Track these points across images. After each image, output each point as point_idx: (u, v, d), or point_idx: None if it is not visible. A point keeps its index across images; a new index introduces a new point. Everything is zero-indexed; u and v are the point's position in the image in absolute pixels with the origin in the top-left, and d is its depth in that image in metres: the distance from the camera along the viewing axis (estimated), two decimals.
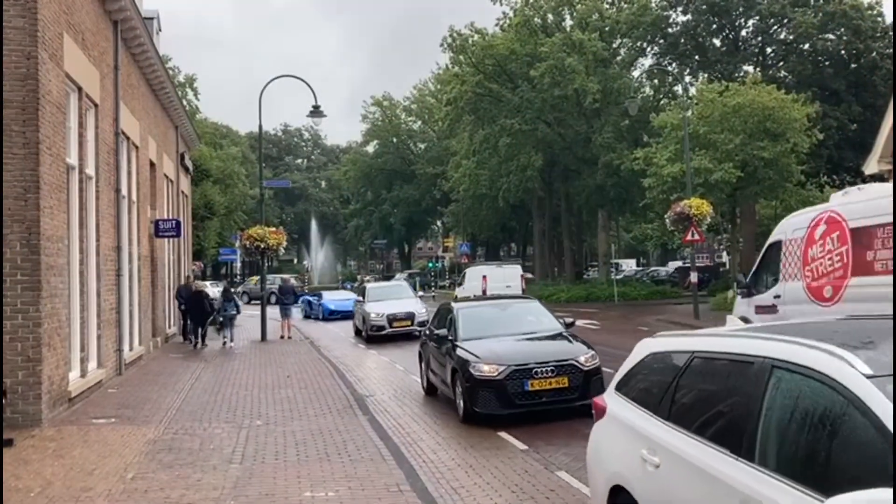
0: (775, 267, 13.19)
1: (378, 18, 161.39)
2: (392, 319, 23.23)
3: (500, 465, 8.63)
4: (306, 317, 34.91)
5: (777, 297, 12.98)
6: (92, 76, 13.69)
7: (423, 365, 13.68)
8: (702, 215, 24.32)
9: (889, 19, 37.63)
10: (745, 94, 27.83)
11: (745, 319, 12.85)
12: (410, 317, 23.38)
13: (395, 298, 24.67)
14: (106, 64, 14.98)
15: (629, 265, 72.25)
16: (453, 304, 13.19)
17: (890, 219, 10.43)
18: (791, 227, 12.97)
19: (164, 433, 10.34)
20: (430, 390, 13.24)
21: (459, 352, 11.31)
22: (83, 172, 13.20)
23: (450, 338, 11.91)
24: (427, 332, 13.85)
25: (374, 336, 23.10)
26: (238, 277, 59.37)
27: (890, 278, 10.14)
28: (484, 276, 28.77)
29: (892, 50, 36.22)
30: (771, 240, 13.72)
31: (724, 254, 59.29)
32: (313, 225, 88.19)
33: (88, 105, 13.66)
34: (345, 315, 30.95)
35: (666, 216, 25.77)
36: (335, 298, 34.18)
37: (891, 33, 37.11)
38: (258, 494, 7.38)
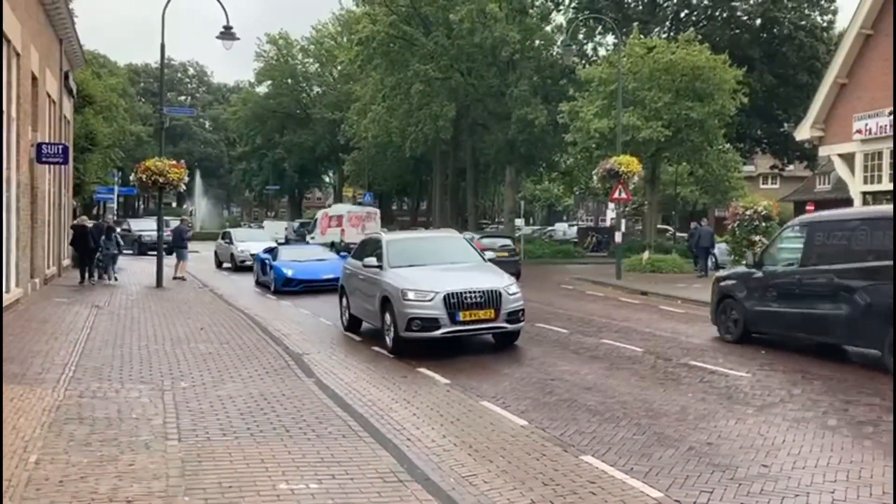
0: (318, 228, 39.38)
1: None
2: (455, 305, 11.21)
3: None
4: (259, 283, 22.83)
5: (312, 237, 36.26)
6: None
7: None
8: (630, 173, 23.60)
9: None
10: (677, 52, 27.12)
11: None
12: (493, 301, 11.37)
13: (447, 264, 12.60)
14: None
15: (520, 224, 72.57)
16: None
17: (332, 213, 39.40)
18: (319, 216, 40.35)
19: (65, 397, 8.32)
20: None
21: None
22: None
23: None
24: None
25: (411, 340, 11.39)
26: (116, 218, 55.01)
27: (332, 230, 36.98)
28: (262, 225, 42.03)
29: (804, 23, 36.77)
30: (318, 216, 41.38)
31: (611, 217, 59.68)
32: (196, 168, 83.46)
33: None
34: (311, 287, 20.16)
35: (594, 172, 24.90)
36: (297, 259, 21.32)
37: (804, 6, 37.64)
38: (217, 486, 5.65)
